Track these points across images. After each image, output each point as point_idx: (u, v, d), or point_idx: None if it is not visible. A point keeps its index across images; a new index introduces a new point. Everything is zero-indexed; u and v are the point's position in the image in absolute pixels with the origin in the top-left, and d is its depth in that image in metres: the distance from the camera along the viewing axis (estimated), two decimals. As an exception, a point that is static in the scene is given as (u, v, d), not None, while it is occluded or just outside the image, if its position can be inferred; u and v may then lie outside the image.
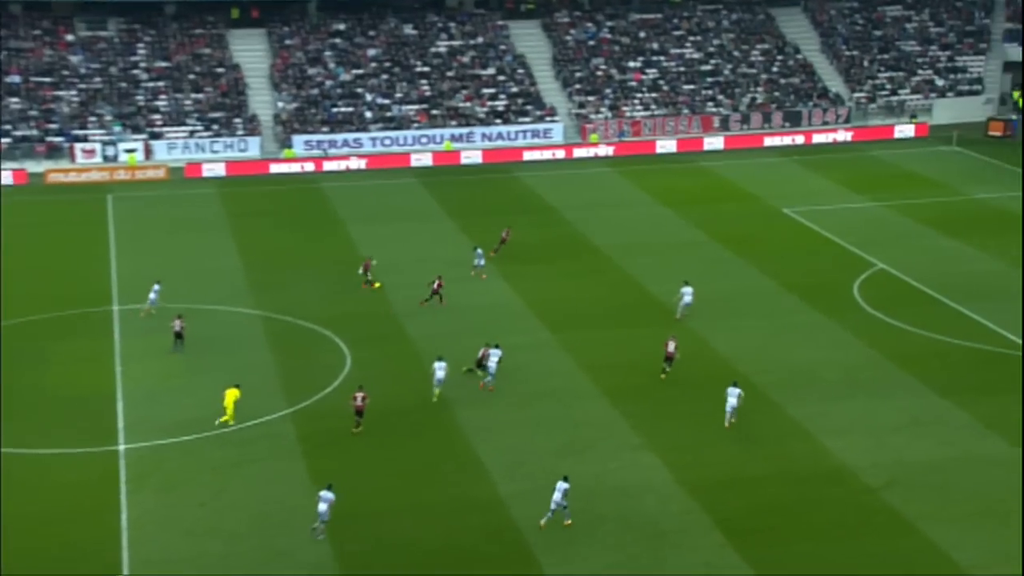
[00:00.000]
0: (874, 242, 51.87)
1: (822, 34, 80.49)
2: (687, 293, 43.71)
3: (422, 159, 67.41)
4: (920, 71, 77.94)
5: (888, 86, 76.86)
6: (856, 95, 75.96)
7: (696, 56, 78.26)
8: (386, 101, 71.84)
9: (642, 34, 78.96)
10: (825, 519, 30.78)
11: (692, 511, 31.20)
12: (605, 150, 69.97)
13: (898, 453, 33.58)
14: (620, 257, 50.38)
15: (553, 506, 30.32)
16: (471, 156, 68.44)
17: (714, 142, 71.39)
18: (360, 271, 46.25)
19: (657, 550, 29.68)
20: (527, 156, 68.95)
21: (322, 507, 30.13)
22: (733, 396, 35.55)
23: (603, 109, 73.54)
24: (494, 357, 37.55)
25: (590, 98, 74.31)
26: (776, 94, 75.51)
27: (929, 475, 32.44)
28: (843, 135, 72.12)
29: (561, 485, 30.39)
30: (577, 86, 75.05)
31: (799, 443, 34.39)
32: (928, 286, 46.15)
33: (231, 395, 35.54)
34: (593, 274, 48.44)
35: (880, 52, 79.28)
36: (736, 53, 78.77)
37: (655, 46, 78.51)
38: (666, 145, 70.89)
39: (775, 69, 77.62)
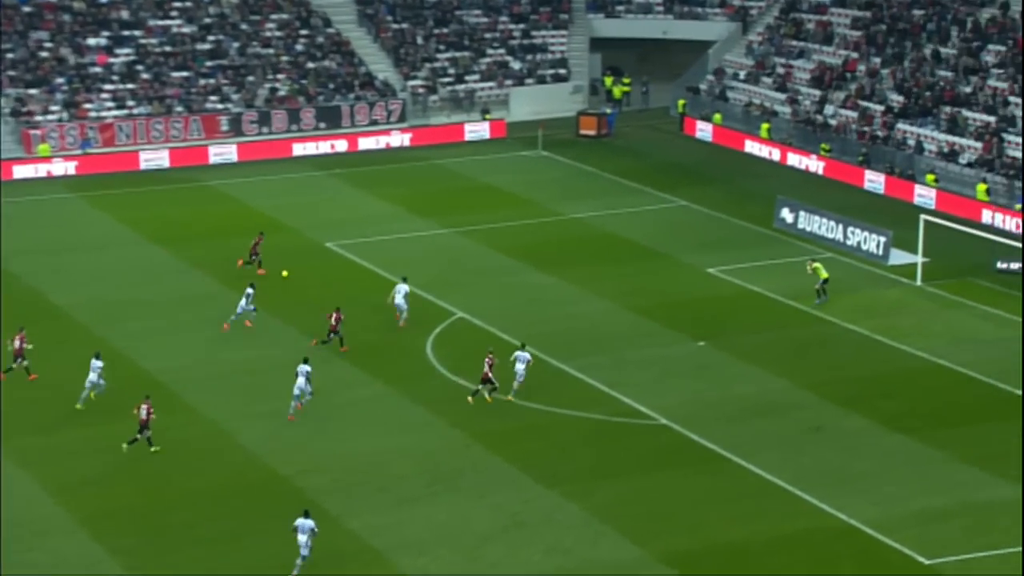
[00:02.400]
0: (448, 283, 54.18)
1: (359, 1, 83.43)
2: (399, 292, 48.85)
3: None
4: (490, 50, 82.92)
5: (452, 71, 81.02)
6: (411, 84, 79.36)
7: (187, 30, 78.36)
8: None
9: (106, -3, 78.03)
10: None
11: None
12: (62, 167, 68.34)
13: (496, 568, 35.07)
14: (96, 322, 49.54)
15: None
16: None
17: (223, 152, 71.77)
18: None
19: None
20: (-55, 178, 65.74)
21: None
22: (521, 362, 43.44)
23: (55, 107, 71.64)
24: (302, 376, 42.33)
25: (32, 91, 72.16)
26: (304, 84, 77.19)
27: (539, 594, 34.24)
28: (398, 138, 75.00)
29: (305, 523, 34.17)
30: (11, 73, 72.66)
31: (366, 566, 35.00)
32: (520, 339, 48.87)
33: None
34: (56, 349, 47.01)
35: (438, 25, 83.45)
36: (244, 26, 79.73)
37: (125, 15, 77.66)
38: (154, 158, 70.36)
39: (300, 48, 79.42)
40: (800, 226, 60.03)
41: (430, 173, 70.41)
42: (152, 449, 40.32)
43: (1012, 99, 67.47)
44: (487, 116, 78.34)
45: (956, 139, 66.99)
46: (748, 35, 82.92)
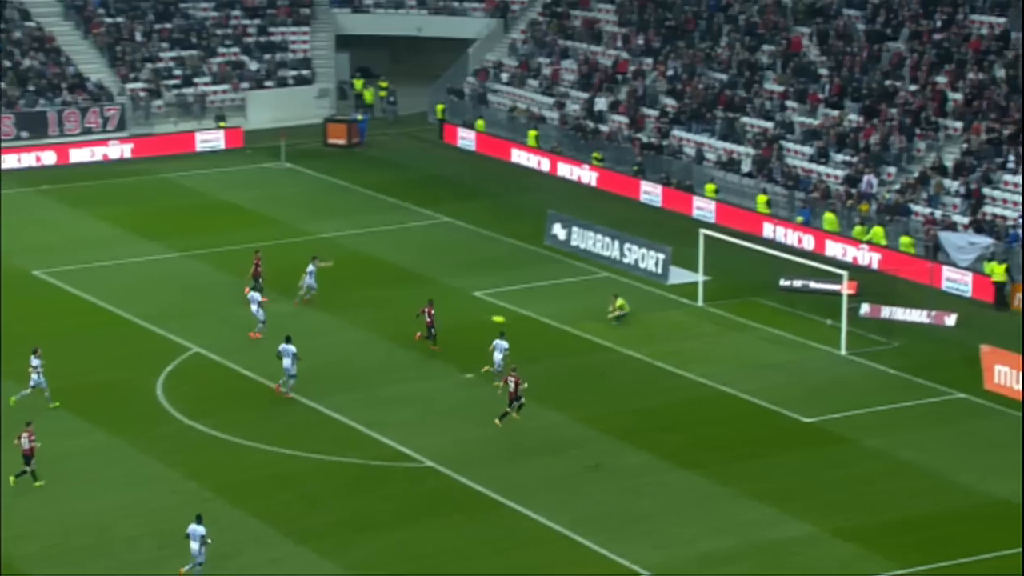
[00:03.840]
0: (181, 314, 53.72)
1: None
2: (311, 273, 53.98)
3: None
4: (222, 49, 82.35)
5: (178, 72, 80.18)
6: (130, 87, 78.31)
7: None
8: None
9: None
10: None
11: None
12: None
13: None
14: None
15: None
16: None
17: (-88, 166, 69.88)
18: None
19: None
20: None
21: None
22: (500, 351, 47.05)
23: None
24: (288, 356, 45.99)
25: None
26: (0, 86, 75.46)
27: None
28: (117, 149, 74.05)
29: None
30: None
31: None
32: (267, 375, 48.59)
33: None
34: None
35: (159, 19, 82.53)
36: (-76, 19, 77.65)
37: None
38: None
39: (-4, 47, 77.73)
40: (573, 243, 61.15)
41: (156, 189, 69.55)
42: (36, 484, 40.57)
43: (789, 103, 69.87)
44: (221, 124, 77.77)
45: (733, 147, 69.03)
46: (510, 33, 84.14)
